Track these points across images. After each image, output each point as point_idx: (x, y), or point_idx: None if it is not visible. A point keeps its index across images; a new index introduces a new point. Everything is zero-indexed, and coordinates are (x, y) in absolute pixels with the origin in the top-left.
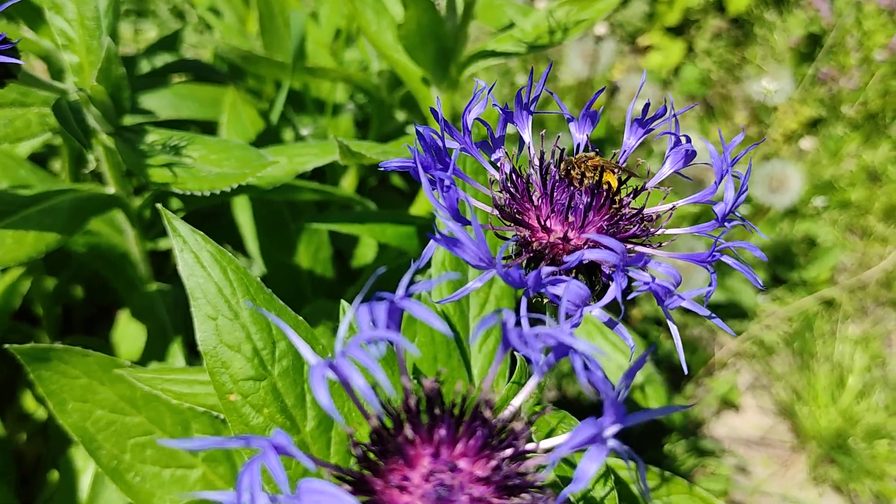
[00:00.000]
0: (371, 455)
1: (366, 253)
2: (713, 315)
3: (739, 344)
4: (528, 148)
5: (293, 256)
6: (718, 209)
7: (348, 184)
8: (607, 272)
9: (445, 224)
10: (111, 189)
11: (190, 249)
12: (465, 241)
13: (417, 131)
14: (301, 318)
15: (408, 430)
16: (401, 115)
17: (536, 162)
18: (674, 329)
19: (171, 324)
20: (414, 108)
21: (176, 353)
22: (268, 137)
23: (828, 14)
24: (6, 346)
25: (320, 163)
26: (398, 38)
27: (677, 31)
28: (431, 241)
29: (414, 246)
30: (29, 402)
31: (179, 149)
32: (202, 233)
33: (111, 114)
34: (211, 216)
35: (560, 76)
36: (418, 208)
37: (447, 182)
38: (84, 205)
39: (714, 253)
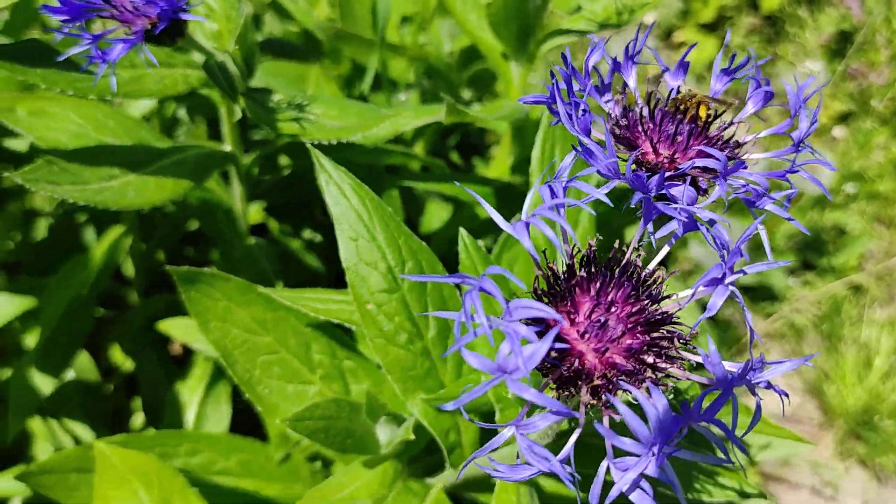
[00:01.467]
0: (545, 299)
1: (432, 221)
2: (792, 217)
3: (770, 325)
4: (634, 91)
5: None
6: (795, 135)
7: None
8: (704, 186)
9: (582, 141)
10: (228, 147)
11: (335, 182)
12: (598, 153)
13: (551, 72)
14: (423, 242)
15: (580, 274)
16: (467, 94)
17: (640, 102)
18: (762, 229)
19: (272, 274)
20: (480, 86)
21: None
22: None
23: (858, 12)
24: (167, 267)
25: (419, 123)
26: (486, 17)
27: (711, 27)
28: (571, 153)
29: (492, 204)
30: (117, 355)
31: (303, 106)
32: (344, 168)
33: (243, 75)
34: (303, 180)
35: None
36: (492, 172)
37: (583, 107)
38: (207, 160)
39: (792, 168)
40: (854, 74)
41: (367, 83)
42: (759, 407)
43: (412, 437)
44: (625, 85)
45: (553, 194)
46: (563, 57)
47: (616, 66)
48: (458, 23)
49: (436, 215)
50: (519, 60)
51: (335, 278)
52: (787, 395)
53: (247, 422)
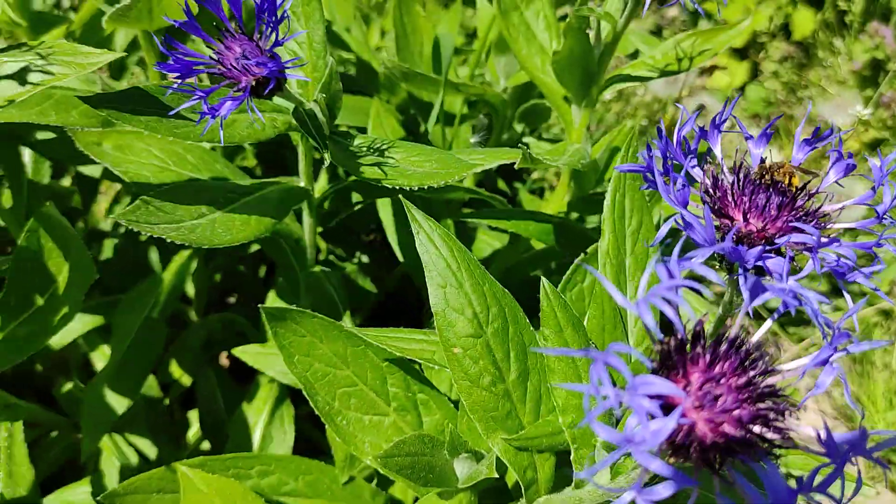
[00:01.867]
0: (661, 371)
1: (483, 249)
2: (878, 289)
3: (801, 350)
4: (719, 159)
5: None
6: (879, 208)
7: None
8: (791, 254)
9: (681, 213)
10: (302, 182)
11: (425, 231)
12: (697, 225)
13: (648, 145)
14: (505, 289)
15: (691, 351)
16: (519, 127)
17: (726, 170)
18: (848, 298)
19: (339, 299)
20: (532, 120)
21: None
22: None
23: (892, 41)
24: (260, 306)
25: (489, 166)
26: (551, 63)
27: (742, 52)
28: (667, 223)
29: (551, 240)
30: (175, 369)
31: (383, 151)
32: (433, 219)
33: (327, 120)
34: (370, 214)
35: (637, 93)
36: (550, 208)
37: (682, 181)
38: (287, 195)
39: (879, 241)
40: (887, 103)
41: (431, 121)
42: (860, 474)
43: (496, 474)
44: (709, 149)
45: (670, 274)
46: (658, 130)
47: (702, 134)
48: (522, 65)
49: (486, 244)
50: (580, 104)
51: (385, 299)
52: (888, 467)
53: (302, 443)
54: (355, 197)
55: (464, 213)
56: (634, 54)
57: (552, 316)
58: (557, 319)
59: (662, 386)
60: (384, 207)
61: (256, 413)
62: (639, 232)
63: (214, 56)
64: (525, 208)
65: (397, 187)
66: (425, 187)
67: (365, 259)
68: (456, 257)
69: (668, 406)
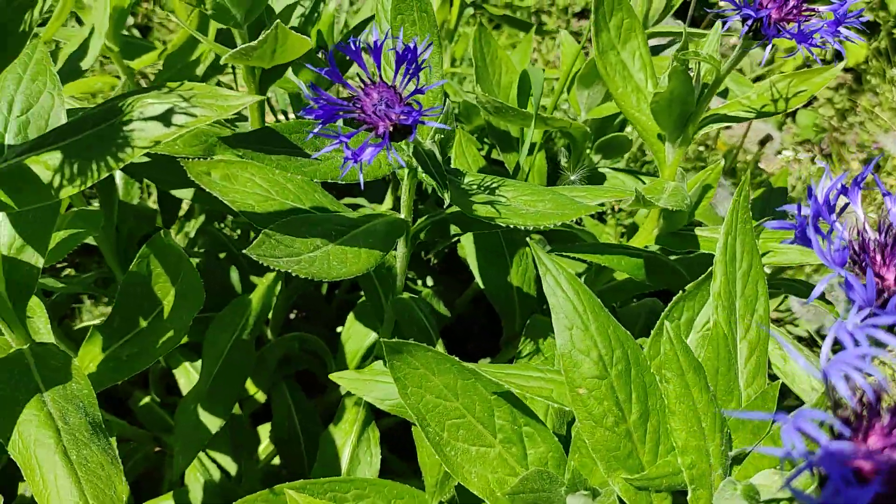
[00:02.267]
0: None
1: None
2: None
3: None
4: (860, 216)
5: (507, 276)
6: None
7: None
8: None
9: (843, 275)
10: (402, 215)
11: (551, 274)
12: (857, 286)
13: (799, 204)
14: (628, 331)
15: (870, 415)
16: (595, 157)
17: (868, 227)
18: None
19: (430, 327)
20: (609, 153)
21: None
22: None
23: None
24: (382, 340)
25: (593, 204)
26: (650, 102)
27: None
28: (822, 281)
29: (642, 275)
30: (250, 385)
31: (493, 189)
32: (559, 262)
33: (443, 160)
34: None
35: None
36: (637, 241)
37: (838, 242)
38: (392, 228)
39: None
40: None
41: (523, 155)
42: None
43: None
44: (846, 205)
45: (855, 341)
46: (809, 189)
47: (843, 191)
48: (617, 102)
49: None
50: (674, 142)
51: (454, 322)
52: None
53: None
54: (453, 229)
55: (555, 248)
56: (724, 93)
57: (675, 360)
58: (680, 363)
59: (855, 457)
60: (466, 237)
61: (344, 435)
62: (749, 274)
63: (355, 102)
64: (590, 234)
65: (510, 226)
66: (541, 227)
67: (430, 282)
68: (582, 300)
69: (856, 471)
